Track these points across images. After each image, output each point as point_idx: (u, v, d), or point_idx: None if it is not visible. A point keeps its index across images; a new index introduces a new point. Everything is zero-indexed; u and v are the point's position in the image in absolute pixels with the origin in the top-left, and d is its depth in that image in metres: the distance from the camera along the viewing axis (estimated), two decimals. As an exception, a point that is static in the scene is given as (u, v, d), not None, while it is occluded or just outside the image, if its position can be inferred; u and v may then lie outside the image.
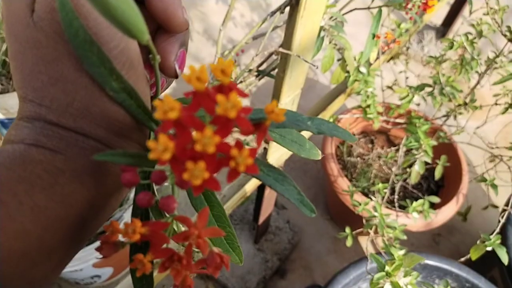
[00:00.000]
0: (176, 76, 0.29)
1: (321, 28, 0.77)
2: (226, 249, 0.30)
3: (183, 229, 0.26)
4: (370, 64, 1.06)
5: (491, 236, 0.97)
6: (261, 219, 1.18)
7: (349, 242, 0.98)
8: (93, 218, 0.25)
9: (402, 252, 0.72)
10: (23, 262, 0.21)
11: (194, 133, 0.18)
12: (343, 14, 0.84)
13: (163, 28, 0.28)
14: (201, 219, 0.22)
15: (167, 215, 0.26)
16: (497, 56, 1.05)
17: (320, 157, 0.32)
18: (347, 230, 0.99)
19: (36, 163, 0.22)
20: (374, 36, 0.78)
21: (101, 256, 0.24)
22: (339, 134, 0.29)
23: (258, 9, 2.00)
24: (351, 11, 0.84)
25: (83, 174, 0.23)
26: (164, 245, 0.23)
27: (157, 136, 0.18)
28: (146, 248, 0.24)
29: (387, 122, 1.26)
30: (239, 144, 0.19)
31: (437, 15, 1.76)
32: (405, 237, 0.89)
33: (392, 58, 1.19)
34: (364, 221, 0.97)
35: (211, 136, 0.18)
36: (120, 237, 0.23)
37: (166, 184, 0.29)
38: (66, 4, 0.22)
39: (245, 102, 1.53)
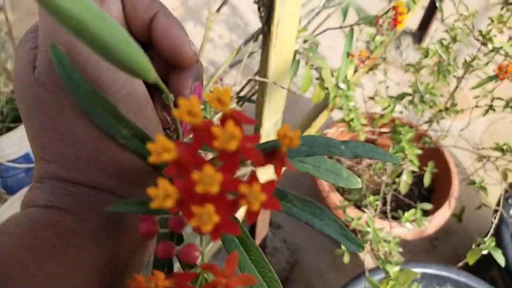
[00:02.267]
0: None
1: (296, 52, 0.78)
2: None
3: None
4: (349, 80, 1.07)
5: (486, 239, 0.98)
6: (257, 241, 1.17)
7: (346, 259, 0.98)
8: (116, 280, 0.23)
9: (397, 268, 0.72)
10: None
11: (193, 174, 0.16)
12: (317, 35, 0.85)
13: (174, 65, 0.27)
14: (229, 265, 0.20)
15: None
16: (473, 60, 1.07)
17: (360, 185, 0.30)
18: (343, 246, 0.99)
19: (46, 228, 0.21)
20: (348, 54, 0.79)
21: None
22: (378, 156, 0.27)
23: (236, 29, 2.01)
24: (324, 31, 0.85)
25: (97, 233, 0.22)
26: None
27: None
28: None
29: (373, 132, 1.27)
30: (254, 178, 0.17)
31: (412, 20, 1.78)
32: (400, 250, 0.89)
33: (370, 69, 1.21)
34: (359, 236, 0.97)
35: (212, 174, 0.16)
36: None
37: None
38: (62, 58, 0.21)
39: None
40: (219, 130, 0.17)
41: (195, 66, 0.28)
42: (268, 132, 0.78)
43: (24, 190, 1.04)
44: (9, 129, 1.02)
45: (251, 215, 0.18)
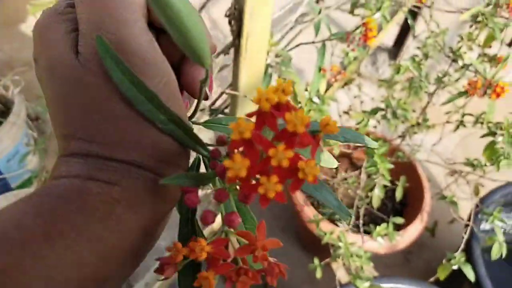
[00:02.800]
0: (207, 98, 0.31)
1: (268, 66, 0.78)
2: None
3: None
4: (324, 92, 1.08)
5: (456, 254, 0.99)
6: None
7: (318, 274, 0.97)
8: (145, 245, 0.26)
9: (367, 284, 0.72)
10: None
11: (270, 151, 0.20)
12: (290, 49, 0.85)
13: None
14: (260, 232, 0.23)
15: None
16: (444, 76, 1.09)
17: (336, 165, 0.35)
18: (315, 261, 0.98)
19: (93, 195, 0.23)
20: (320, 69, 0.79)
21: (163, 278, 0.24)
22: (363, 141, 0.32)
23: (216, 43, 2.01)
24: (297, 46, 0.86)
25: (137, 203, 0.25)
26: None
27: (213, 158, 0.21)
28: (198, 267, 0.26)
29: (348, 146, 1.28)
30: (299, 157, 0.21)
31: (388, 36, 1.82)
32: (371, 264, 0.89)
33: (346, 84, 1.22)
34: (331, 250, 0.96)
35: (284, 151, 0.20)
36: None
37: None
38: (109, 51, 0.23)
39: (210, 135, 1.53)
40: (291, 116, 0.21)
41: None
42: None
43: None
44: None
45: (297, 186, 0.21)
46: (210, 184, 0.28)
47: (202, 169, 0.30)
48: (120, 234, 0.23)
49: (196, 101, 0.31)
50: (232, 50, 0.70)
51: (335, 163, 0.34)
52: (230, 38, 0.63)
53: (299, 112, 0.21)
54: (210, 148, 0.29)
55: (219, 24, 2.09)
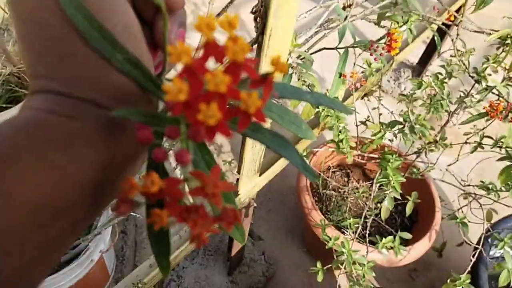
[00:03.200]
0: None
1: (289, 66, 0.79)
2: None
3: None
4: (344, 100, 1.09)
5: (462, 276, 0.98)
6: (234, 250, 1.17)
7: (319, 278, 0.97)
8: (109, 184, 0.26)
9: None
10: (36, 217, 0.21)
11: (207, 75, 0.20)
12: (313, 53, 0.86)
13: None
14: (214, 173, 0.23)
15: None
16: (466, 96, 1.08)
17: (315, 139, 0.34)
18: (318, 265, 0.98)
19: (53, 126, 0.23)
20: (340, 75, 0.80)
21: (118, 215, 0.24)
22: (336, 107, 0.32)
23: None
24: (320, 50, 0.87)
25: (97, 139, 0.24)
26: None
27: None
28: (160, 208, 0.25)
29: (362, 157, 1.28)
30: (241, 92, 0.21)
31: (413, 54, 1.81)
32: (373, 274, 0.89)
33: (366, 95, 1.22)
34: (334, 256, 0.97)
35: (222, 76, 0.20)
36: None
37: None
38: None
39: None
40: (231, 43, 0.20)
41: (180, 12, 0.30)
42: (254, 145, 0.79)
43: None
44: (2, 110, 1.03)
45: (244, 123, 0.21)
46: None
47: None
48: (79, 167, 0.23)
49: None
50: (254, 48, 0.71)
51: (314, 136, 0.34)
52: (253, 36, 0.65)
53: (240, 40, 0.20)
54: None
55: (247, 25, 2.11)
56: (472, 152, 1.10)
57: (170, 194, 0.23)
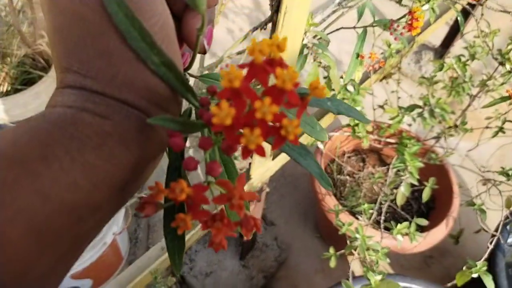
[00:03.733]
0: (205, 52, 0.31)
1: (304, 46, 0.77)
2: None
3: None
4: (361, 83, 1.06)
5: (478, 262, 0.95)
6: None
7: (332, 263, 0.96)
8: (134, 181, 0.27)
9: (379, 277, 0.70)
10: (72, 215, 0.22)
11: (256, 103, 0.20)
12: (330, 33, 0.84)
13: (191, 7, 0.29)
14: (240, 183, 0.23)
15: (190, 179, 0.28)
16: (489, 79, 1.04)
17: (327, 139, 0.36)
18: (331, 250, 0.97)
19: (87, 125, 0.24)
20: (358, 55, 0.77)
21: (143, 215, 0.25)
22: (354, 115, 0.32)
23: (255, 24, 2.01)
24: (337, 29, 0.84)
25: (128, 139, 0.25)
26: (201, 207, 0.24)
27: (202, 106, 0.21)
28: (181, 211, 0.26)
29: (379, 141, 1.25)
30: (285, 115, 0.21)
31: (436, 35, 1.75)
32: (388, 260, 0.87)
33: (384, 77, 1.18)
34: (348, 242, 0.95)
35: (269, 105, 0.20)
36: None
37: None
38: None
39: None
40: (281, 71, 0.21)
41: (210, 9, 0.31)
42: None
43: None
44: (16, 91, 1.04)
45: (279, 143, 0.22)
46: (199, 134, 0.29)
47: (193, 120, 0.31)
48: (111, 165, 0.24)
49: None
50: (268, 28, 0.69)
51: (325, 137, 0.35)
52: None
53: (290, 69, 0.21)
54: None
55: (263, 6, 2.08)
56: (493, 137, 1.06)
57: (195, 200, 0.24)
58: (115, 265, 1.16)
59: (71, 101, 0.25)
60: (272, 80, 0.22)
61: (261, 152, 0.21)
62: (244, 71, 0.23)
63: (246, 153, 0.21)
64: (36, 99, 1.06)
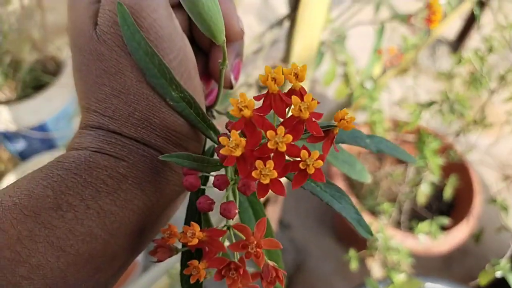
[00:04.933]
0: (231, 87, 0.30)
1: (322, 43, 0.75)
2: None
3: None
4: (378, 79, 1.03)
5: (501, 260, 0.93)
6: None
7: (353, 265, 0.94)
8: (152, 226, 0.26)
9: (402, 276, 0.68)
10: (89, 266, 0.21)
11: (268, 132, 0.19)
12: (348, 30, 0.82)
13: None
14: (259, 228, 0.22)
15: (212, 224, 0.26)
16: (507, 73, 1.01)
17: (369, 181, 0.33)
18: (351, 252, 0.95)
19: (101, 169, 0.23)
20: (376, 51, 0.75)
21: (155, 260, 0.24)
22: (399, 154, 0.30)
23: (265, 21, 1.99)
24: (355, 26, 0.82)
25: (144, 181, 0.24)
26: (218, 254, 0.23)
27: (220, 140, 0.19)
28: (198, 257, 0.25)
29: (396, 138, 1.22)
30: (306, 149, 0.19)
31: (449, 29, 1.72)
32: (409, 260, 0.84)
33: (401, 72, 1.16)
34: (367, 243, 0.93)
35: (283, 135, 0.19)
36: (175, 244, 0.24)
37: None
38: (127, 18, 0.23)
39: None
40: (297, 99, 0.19)
41: (238, 42, 0.29)
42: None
43: (37, 158, 1.05)
44: (28, 97, 1.03)
45: (300, 180, 0.20)
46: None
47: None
48: (127, 211, 0.23)
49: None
50: (282, 27, 0.67)
51: (368, 177, 0.32)
52: (279, 16, 0.61)
53: (307, 97, 0.19)
54: None
55: (271, 2, 2.07)
56: (514, 132, 1.03)
57: (210, 245, 0.22)
58: (131, 270, 1.15)
59: (88, 142, 0.24)
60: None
61: (279, 189, 0.19)
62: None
63: (262, 190, 0.20)
64: (48, 104, 1.05)
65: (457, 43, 1.73)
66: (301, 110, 0.19)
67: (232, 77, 0.29)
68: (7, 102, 1.04)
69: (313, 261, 1.32)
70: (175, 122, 0.25)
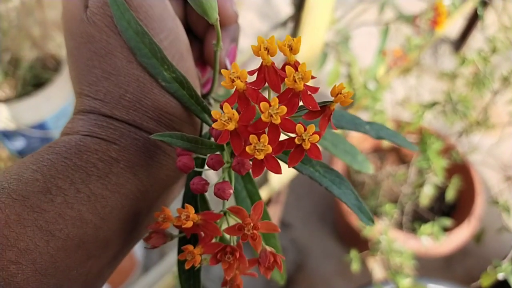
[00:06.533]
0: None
1: (325, 45, 0.74)
2: None
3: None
4: (381, 79, 1.02)
5: (503, 262, 0.92)
6: (264, 238, 1.14)
7: (355, 266, 0.93)
8: (147, 212, 0.25)
9: (408, 280, 0.68)
10: (80, 252, 0.21)
11: (261, 104, 0.18)
12: (352, 30, 0.81)
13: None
14: (256, 211, 0.21)
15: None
16: (511, 74, 1.01)
17: (372, 171, 0.32)
18: (352, 253, 0.94)
19: (92, 152, 0.23)
20: (380, 51, 0.74)
21: (149, 246, 0.23)
22: (399, 142, 0.29)
23: (266, 19, 1.98)
24: (361, 26, 0.81)
25: (136, 164, 0.24)
26: (214, 240, 0.22)
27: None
28: (195, 243, 0.24)
29: (397, 139, 1.22)
30: (303, 125, 0.18)
31: (452, 28, 1.71)
32: (412, 262, 0.84)
33: (404, 72, 1.15)
34: (369, 244, 0.92)
35: (278, 107, 0.18)
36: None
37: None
38: None
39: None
40: (291, 69, 0.18)
41: (233, 27, 0.29)
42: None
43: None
44: (28, 94, 1.02)
45: (297, 157, 0.19)
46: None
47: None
48: (120, 194, 0.22)
49: None
50: (286, 27, 0.67)
51: (369, 168, 0.32)
52: (282, 16, 0.61)
53: (302, 66, 0.18)
54: None
55: (273, 0, 2.06)
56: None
57: (205, 229, 0.21)
58: (130, 269, 1.14)
59: (79, 126, 0.24)
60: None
61: (275, 167, 0.19)
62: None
63: (257, 168, 0.19)
64: (49, 101, 1.04)
65: (460, 42, 1.73)
66: (295, 81, 0.18)
67: (227, 62, 0.29)
68: (6, 100, 1.03)
69: (313, 261, 1.31)
70: (167, 103, 0.25)
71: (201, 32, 0.30)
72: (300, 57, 0.66)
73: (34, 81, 1.06)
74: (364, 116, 1.40)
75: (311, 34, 0.64)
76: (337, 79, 0.79)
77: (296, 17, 0.62)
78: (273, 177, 0.86)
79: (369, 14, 0.84)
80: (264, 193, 0.85)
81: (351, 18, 0.79)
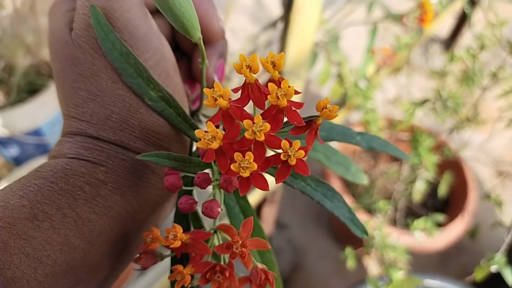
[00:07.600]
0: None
1: (316, 44, 0.75)
2: None
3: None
4: (372, 78, 1.04)
5: (496, 255, 0.94)
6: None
7: (350, 264, 0.94)
8: (136, 233, 0.25)
9: (401, 273, 0.69)
10: (68, 277, 0.21)
11: (244, 122, 0.18)
12: (340, 30, 0.82)
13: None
14: (245, 228, 0.21)
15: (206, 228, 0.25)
16: (499, 70, 1.02)
17: (366, 182, 0.31)
18: (348, 250, 0.96)
19: (78, 176, 0.22)
20: (369, 51, 0.76)
21: (139, 268, 0.23)
22: (391, 151, 0.29)
23: (257, 22, 2.00)
24: (349, 26, 0.83)
25: (124, 186, 0.24)
26: (205, 258, 0.22)
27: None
28: (186, 262, 0.24)
29: (391, 137, 1.23)
30: (289, 141, 0.18)
31: (441, 27, 1.74)
32: (406, 258, 0.85)
33: (394, 71, 1.17)
34: (363, 240, 0.93)
35: (261, 124, 0.18)
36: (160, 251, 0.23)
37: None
38: (101, 20, 0.23)
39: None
40: (274, 86, 0.18)
41: (220, 42, 0.29)
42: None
43: (32, 163, 1.04)
44: (22, 101, 1.03)
45: (283, 173, 0.19)
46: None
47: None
48: (108, 217, 0.22)
49: None
50: (276, 29, 0.68)
51: (364, 178, 0.31)
52: (273, 18, 0.62)
53: (284, 83, 0.18)
54: None
55: (264, 4, 2.07)
56: (506, 127, 1.04)
57: (195, 248, 0.21)
58: (127, 272, 1.15)
59: (66, 149, 0.24)
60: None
61: (261, 183, 0.19)
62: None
63: (244, 185, 0.19)
64: (43, 108, 1.05)
65: (450, 41, 1.75)
66: (278, 98, 0.18)
67: (215, 78, 0.29)
68: (1, 108, 1.03)
69: (310, 261, 1.32)
70: (154, 122, 0.25)
71: (188, 49, 0.30)
72: (290, 57, 0.67)
73: (29, 88, 1.07)
74: (356, 115, 1.41)
75: (301, 34, 0.65)
76: (327, 78, 0.81)
77: (286, 18, 0.63)
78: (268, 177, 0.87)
79: (357, 14, 0.86)
80: (259, 193, 0.86)
81: (340, 18, 0.81)
